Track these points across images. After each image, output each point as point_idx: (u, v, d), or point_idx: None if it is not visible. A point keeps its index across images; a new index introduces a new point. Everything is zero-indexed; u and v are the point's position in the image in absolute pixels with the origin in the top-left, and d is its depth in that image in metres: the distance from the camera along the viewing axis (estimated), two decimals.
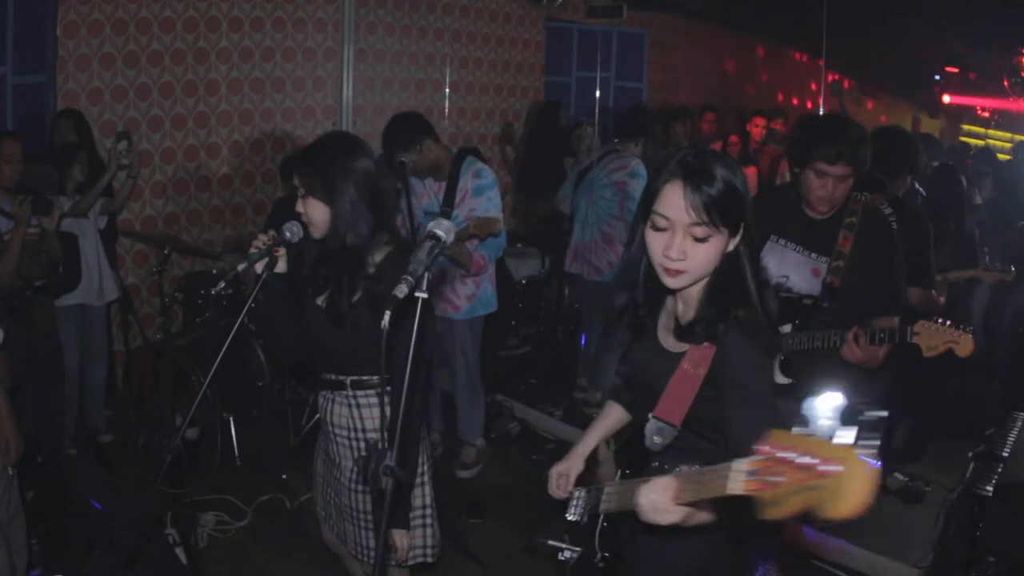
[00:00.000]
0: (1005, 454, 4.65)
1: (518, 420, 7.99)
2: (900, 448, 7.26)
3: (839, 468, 1.76)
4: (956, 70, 13.42)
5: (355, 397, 3.88)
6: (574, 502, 3.38)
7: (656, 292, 2.96)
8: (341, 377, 3.89)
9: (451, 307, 6.76)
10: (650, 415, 2.88)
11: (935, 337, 4.18)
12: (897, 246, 4.76)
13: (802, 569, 5.89)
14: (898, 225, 5.31)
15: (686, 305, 2.91)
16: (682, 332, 2.87)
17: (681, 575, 3.06)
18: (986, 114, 13.78)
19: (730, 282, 2.80)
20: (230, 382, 6.92)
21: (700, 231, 2.66)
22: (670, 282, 2.77)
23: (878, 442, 1.84)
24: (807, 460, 1.82)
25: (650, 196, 2.75)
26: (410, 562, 4.02)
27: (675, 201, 2.66)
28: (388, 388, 3.55)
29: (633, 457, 3.05)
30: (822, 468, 1.76)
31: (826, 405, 1.91)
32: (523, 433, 7.91)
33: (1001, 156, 11.08)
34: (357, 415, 3.89)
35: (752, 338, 2.77)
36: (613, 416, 3.52)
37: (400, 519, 3.79)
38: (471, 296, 6.76)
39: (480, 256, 6.43)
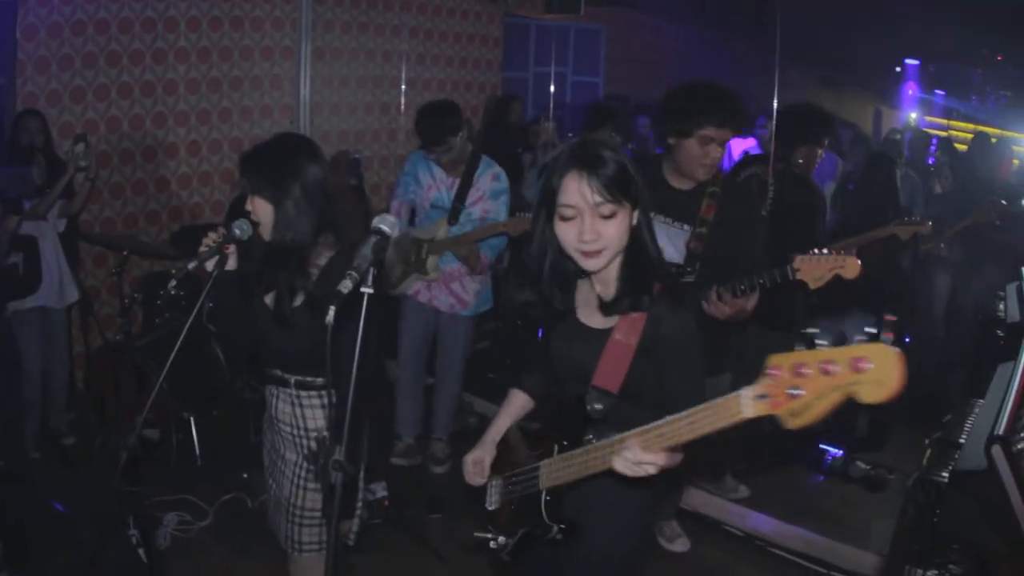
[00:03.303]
0: (962, 441, 4.66)
1: (477, 415, 7.99)
2: (862, 438, 7.32)
3: (871, 364, 1.99)
4: (917, 61, 13.49)
5: (299, 397, 3.90)
6: (490, 491, 3.49)
7: (567, 280, 3.16)
8: (286, 375, 3.90)
9: (460, 304, 6.88)
10: (589, 385, 3.02)
11: (818, 268, 4.24)
12: (758, 211, 5.11)
13: (762, 558, 5.93)
14: (784, 196, 5.45)
15: (604, 285, 3.08)
16: (607, 307, 3.04)
17: (625, 547, 3.25)
18: (947, 105, 13.86)
19: (641, 253, 3.00)
20: (190, 382, 6.91)
21: (606, 209, 2.88)
22: (591, 264, 2.94)
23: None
24: (831, 367, 2.04)
25: (551, 192, 2.94)
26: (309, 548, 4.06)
27: (576, 188, 2.89)
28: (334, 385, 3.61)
29: (565, 433, 3.11)
30: (860, 365, 1.99)
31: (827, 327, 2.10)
32: (481, 427, 7.82)
33: (959, 146, 11.13)
34: (300, 414, 3.91)
35: (679, 305, 3.00)
36: (517, 402, 3.65)
37: (346, 509, 3.85)
38: (478, 292, 6.92)
39: (484, 256, 6.57)
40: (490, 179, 6.61)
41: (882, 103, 15.02)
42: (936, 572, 5.21)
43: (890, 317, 7.19)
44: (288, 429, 3.96)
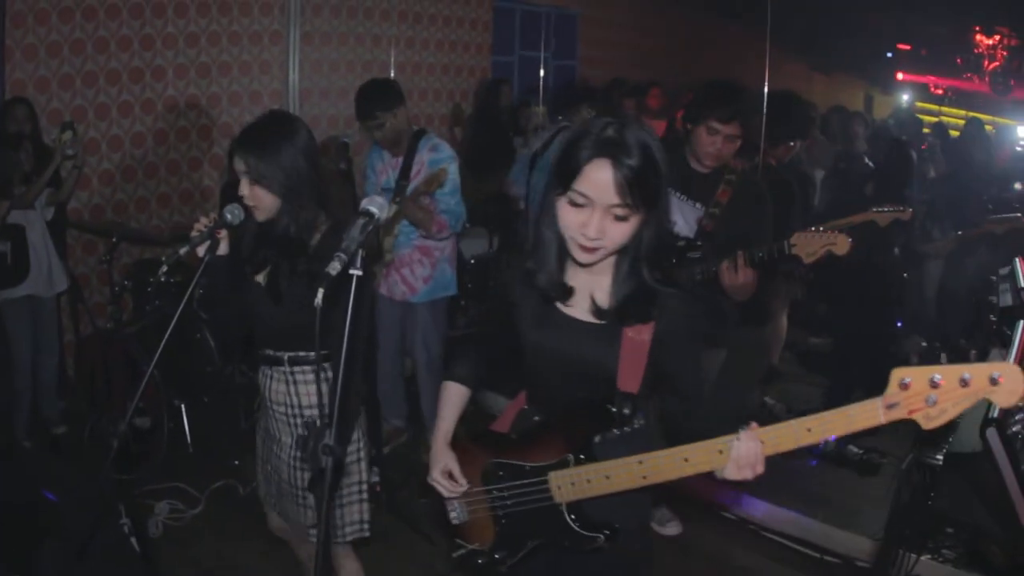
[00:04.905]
0: (956, 424, 4.66)
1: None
2: None
3: (1004, 377, 2.29)
4: (908, 47, 13.47)
5: (292, 373, 3.90)
6: (454, 505, 3.32)
7: (560, 264, 2.96)
8: (279, 353, 3.91)
9: (409, 290, 6.77)
10: (616, 390, 2.92)
11: (812, 243, 4.56)
12: (768, 205, 5.21)
13: (755, 542, 5.93)
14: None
15: (595, 276, 2.95)
16: (606, 315, 2.91)
17: (641, 540, 3.25)
18: (939, 91, 13.81)
19: (645, 257, 2.86)
20: (180, 368, 6.90)
21: (621, 211, 2.68)
22: (585, 258, 2.79)
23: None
24: (968, 379, 2.33)
25: (569, 171, 2.71)
26: (348, 537, 4.09)
27: (600, 181, 2.66)
28: (325, 365, 3.70)
29: (574, 440, 2.98)
30: (997, 379, 2.29)
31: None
32: (474, 413, 7.85)
33: (953, 132, 11.12)
34: (294, 391, 3.91)
35: (688, 303, 2.93)
36: (455, 398, 3.47)
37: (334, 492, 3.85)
38: (428, 278, 6.77)
39: (442, 218, 6.41)
40: (428, 151, 6.53)
41: (873, 89, 14.98)
42: (930, 556, 5.24)
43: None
44: (282, 410, 3.96)
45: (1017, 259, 4.80)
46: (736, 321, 5.27)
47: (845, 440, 6.99)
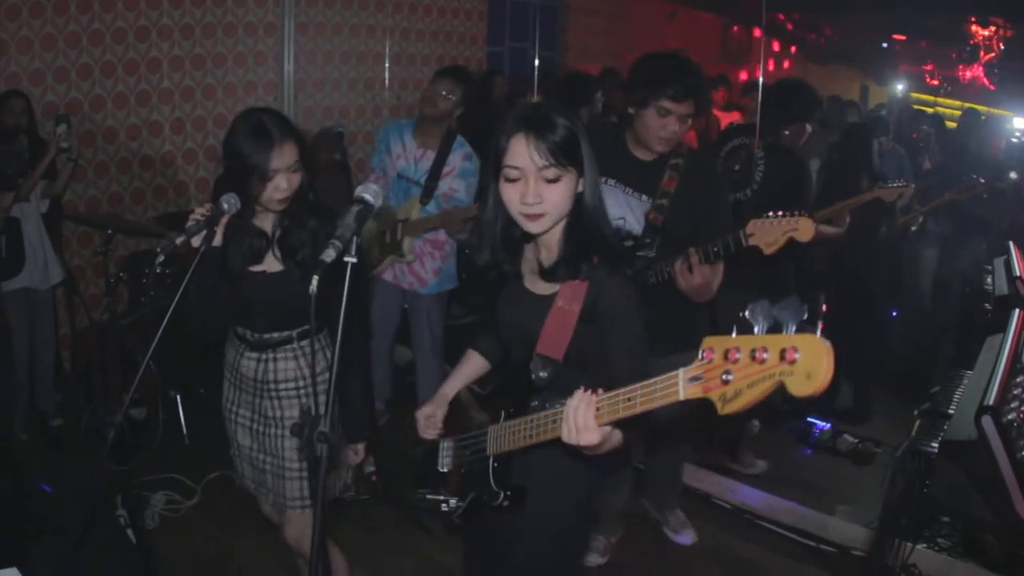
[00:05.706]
0: (951, 412, 4.66)
1: (464, 388, 8.00)
2: (847, 410, 7.33)
3: (799, 355, 1.89)
4: (904, 37, 13.44)
5: (301, 347, 4.00)
6: (442, 453, 3.55)
7: (514, 244, 3.23)
8: (287, 333, 3.99)
9: (419, 281, 6.82)
10: (534, 352, 3.08)
11: (771, 232, 4.11)
12: (723, 187, 5.00)
13: (751, 531, 5.93)
14: (774, 169, 5.43)
15: (548, 250, 3.16)
16: (547, 273, 3.11)
17: (561, 518, 3.32)
18: (935, 82, 13.77)
19: (584, 220, 3.05)
20: (176, 360, 6.88)
21: (550, 173, 2.92)
22: (533, 227, 2.99)
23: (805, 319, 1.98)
24: (762, 354, 1.95)
25: (498, 154, 2.96)
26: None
27: (521, 150, 2.92)
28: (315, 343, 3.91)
29: (512, 398, 3.17)
30: (790, 355, 1.90)
31: (761, 310, 2.00)
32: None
33: (949, 124, 11.07)
34: (305, 364, 4.00)
35: (617, 271, 3.05)
36: (473, 363, 3.75)
37: (365, 433, 4.13)
38: (438, 271, 6.83)
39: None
40: (461, 158, 6.59)
41: (868, 79, 14.95)
42: (926, 545, 5.24)
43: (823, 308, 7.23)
44: (292, 386, 4.03)
45: (1012, 245, 4.78)
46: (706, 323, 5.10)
47: (839, 429, 7.01)
